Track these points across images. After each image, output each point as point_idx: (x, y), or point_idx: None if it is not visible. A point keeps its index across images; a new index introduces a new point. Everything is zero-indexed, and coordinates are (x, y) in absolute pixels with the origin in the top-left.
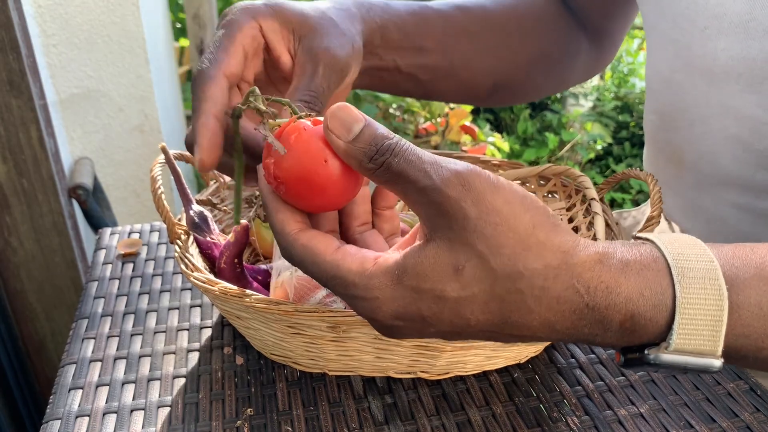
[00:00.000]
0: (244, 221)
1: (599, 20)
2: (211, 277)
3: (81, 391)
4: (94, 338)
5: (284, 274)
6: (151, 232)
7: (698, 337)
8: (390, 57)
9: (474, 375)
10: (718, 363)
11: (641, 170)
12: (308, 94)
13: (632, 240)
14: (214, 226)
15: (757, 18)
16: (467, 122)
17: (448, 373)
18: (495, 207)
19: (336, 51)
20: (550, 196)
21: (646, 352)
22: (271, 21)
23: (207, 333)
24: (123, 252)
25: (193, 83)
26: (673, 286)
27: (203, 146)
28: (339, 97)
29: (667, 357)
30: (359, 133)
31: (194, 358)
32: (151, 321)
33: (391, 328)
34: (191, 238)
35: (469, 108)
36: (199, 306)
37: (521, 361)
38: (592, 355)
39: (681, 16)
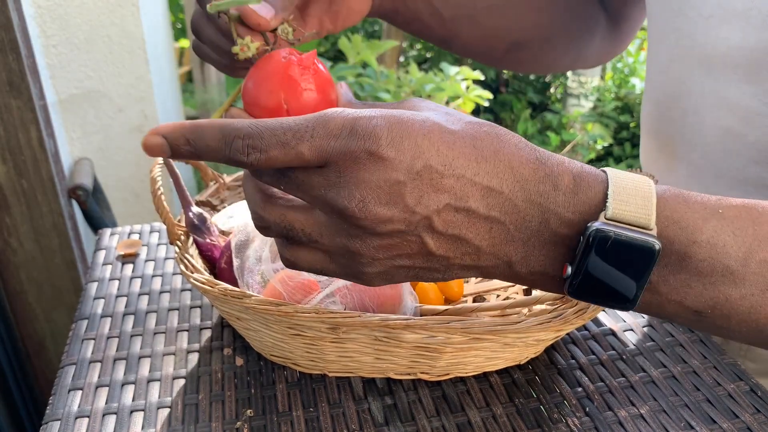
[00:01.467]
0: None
1: (619, 3)
2: (211, 278)
3: (81, 392)
4: (94, 339)
5: (269, 274)
6: (150, 232)
7: (632, 204)
8: None
9: (474, 376)
10: (656, 243)
11: (641, 170)
12: (285, 17)
13: None
14: (213, 227)
15: (757, 6)
16: None
17: (448, 374)
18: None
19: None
20: None
21: (588, 225)
22: None
23: (207, 334)
24: (123, 253)
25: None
26: (606, 174)
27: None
28: (348, 21)
29: (606, 227)
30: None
31: (194, 359)
32: (151, 322)
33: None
34: (191, 238)
35: (470, 108)
36: (199, 307)
37: (521, 362)
38: (593, 356)
39: (687, 4)
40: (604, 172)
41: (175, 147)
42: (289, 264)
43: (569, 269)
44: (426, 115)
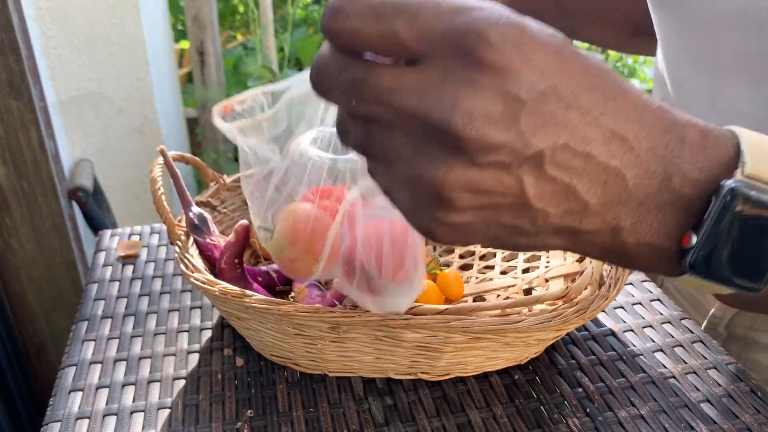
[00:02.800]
0: (244, 221)
1: None
2: (211, 277)
3: (81, 393)
4: (94, 340)
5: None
6: (151, 233)
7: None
8: None
9: (474, 376)
10: None
11: None
12: None
13: None
14: (213, 227)
15: (752, 15)
16: None
17: (448, 374)
18: None
19: None
20: None
21: (720, 184)
22: None
23: (207, 334)
24: (123, 254)
25: None
26: (732, 129)
27: None
28: None
29: (745, 186)
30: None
31: (194, 359)
32: (151, 323)
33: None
34: (191, 239)
35: None
36: (199, 307)
37: (521, 362)
38: (593, 357)
39: (688, 11)
40: (729, 129)
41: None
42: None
43: (693, 238)
44: (554, 30)
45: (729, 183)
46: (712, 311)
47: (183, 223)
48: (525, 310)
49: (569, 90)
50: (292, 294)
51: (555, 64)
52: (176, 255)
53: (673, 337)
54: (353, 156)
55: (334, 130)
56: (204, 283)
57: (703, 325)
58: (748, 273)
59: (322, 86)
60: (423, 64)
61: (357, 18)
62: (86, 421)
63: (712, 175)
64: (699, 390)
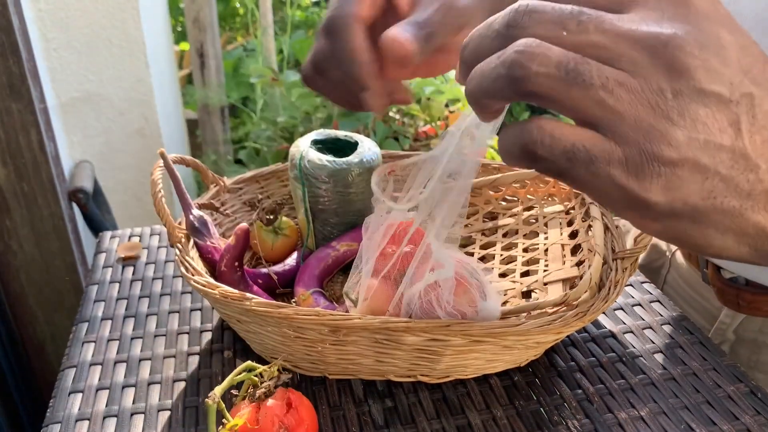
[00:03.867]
0: (244, 224)
1: None
2: (211, 280)
3: (81, 394)
4: (95, 342)
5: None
6: (151, 235)
7: None
8: None
9: (474, 378)
10: None
11: None
12: (416, 25)
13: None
14: (214, 230)
15: (765, 18)
16: None
17: (448, 376)
18: None
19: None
20: (549, 199)
21: None
22: None
23: (207, 336)
24: (123, 255)
25: (329, 27)
26: None
27: (377, 93)
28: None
29: None
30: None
31: (194, 361)
32: (152, 324)
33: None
34: (191, 241)
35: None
36: (200, 309)
37: (521, 365)
38: (593, 359)
39: None
40: None
41: None
42: (543, 128)
43: None
44: None
45: None
46: (720, 317)
47: (183, 226)
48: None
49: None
50: (295, 299)
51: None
52: (176, 257)
53: (672, 338)
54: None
55: (334, 132)
56: (204, 285)
57: (711, 330)
58: None
59: (527, 20)
60: (633, 11)
61: None
62: (86, 422)
63: None
64: (699, 391)
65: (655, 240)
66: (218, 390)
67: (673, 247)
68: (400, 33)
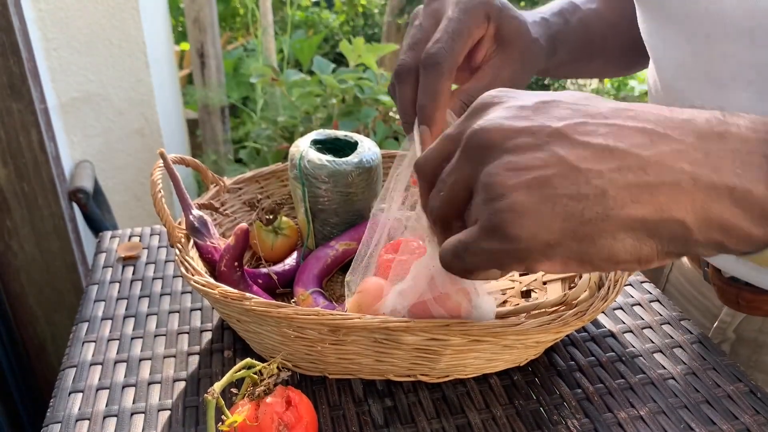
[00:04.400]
0: (243, 224)
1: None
2: (211, 280)
3: (81, 394)
4: (95, 341)
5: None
6: (151, 235)
7: None
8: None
9: (474, 378)
10: None
11: None
12: (470, 101)
13: None
14: (213, 230)
15: (761, 25)
16: None
17: (447, 376)
18: None
19: (517, 80)
20: None
21: None
22: (492, 26)
23: (207, 336)
24: (123, 255)
25: (428, 64)
26: None
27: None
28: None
29: None
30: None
31: (194, 361)
32: (152, 324)
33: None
34: (191, 241)
35: None
36: (200, 309)
37: (521, 364)
38: (592, 358)
39: (685, 22)
40: None
41: None
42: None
43: None
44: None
45: None
46: (720, 316)
47: (183, 226)
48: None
49: (574, 98)
50: (294, 298)
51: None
52: (176, 257)
53: (672, 338)
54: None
55: (334, 132)
56: (204, 285)
57: (712, 329)
58: None
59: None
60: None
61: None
62: (86, 422)
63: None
64: (698, 391)
65: None
66: (218, 386)
67: None
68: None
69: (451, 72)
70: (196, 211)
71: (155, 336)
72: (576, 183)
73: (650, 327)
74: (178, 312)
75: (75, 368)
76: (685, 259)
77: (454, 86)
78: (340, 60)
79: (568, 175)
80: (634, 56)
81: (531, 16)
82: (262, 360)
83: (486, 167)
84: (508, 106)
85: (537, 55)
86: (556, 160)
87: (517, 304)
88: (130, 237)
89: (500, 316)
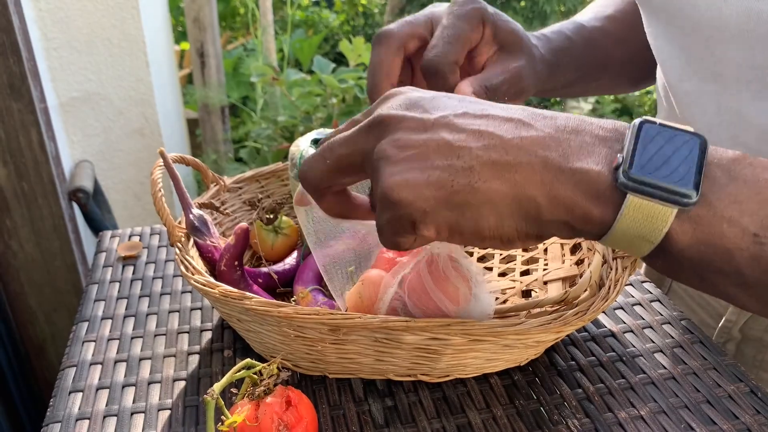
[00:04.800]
0: (243, 224)
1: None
2: (212, 279)
3: (81, 394)
4: (95, 341)
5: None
6: (151, 235)
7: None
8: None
9: (474, 377)
10: (701, 136)
11: None
12: (484, 84)
13: None
14: (213, 229)
15: (755, 29)
16: None
17: (448, 375)
18: None
19: (524, 74)
20: None
21: (632, 123)
22: (489, 29)
23: (207, 336)
24: (123, 255)
25: (428, 72)
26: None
27: None
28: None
29: (651, 119)
30: None
31: (194, 360)
32: (152, 324)
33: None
34: (191, 240)
35: None
36: (200, 309)
37: (521, 364)
38: (593, 358)
39: (688, 24)
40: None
41: None
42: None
43: (620, 157)
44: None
45: (637, 120)
46: (726, 315)
47: (183, 225)
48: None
49: (460, 97)
50: (294, 297)
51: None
52: (176, 257)
53: (672, 337)
54: None
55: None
56: (204, 285)
57: (717, 328)
58: (674, 182)
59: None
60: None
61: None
62: (86, 422)
63: (622, 125)
64: (699, 391)
65: None
66: (217, 386)
67: None
68: (466, 90)
69: (453, 76)
70: (196, 211)
71: (155, 335)
72: (448, 157)
73: (651, 327)
74: (178, 311)
75: (75, 368)
76: None
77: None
78: (340, 60)
79: (443, 151)
80: (642, 72)
81: (530, 34)
82: (262, 359)
83: (379, 143)
84: (408, 96)
85: (537, 58)
86: (437, 138)
87: (518, 304)
88: (130, 236)
89: (500, 314)
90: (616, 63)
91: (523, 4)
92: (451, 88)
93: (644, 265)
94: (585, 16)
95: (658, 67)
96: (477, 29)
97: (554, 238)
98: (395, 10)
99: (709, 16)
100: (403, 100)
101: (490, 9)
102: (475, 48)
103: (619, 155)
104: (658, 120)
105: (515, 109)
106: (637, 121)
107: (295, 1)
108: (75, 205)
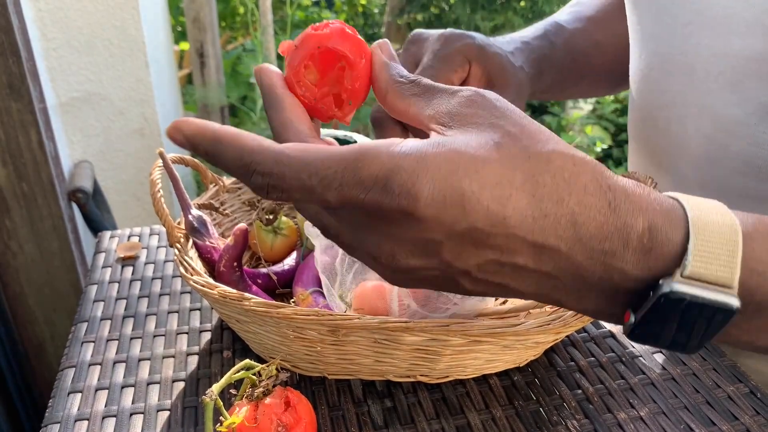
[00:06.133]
0: (243, 224)
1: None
2: (210, 280)
3: (80, 394)
4: (94, 341)
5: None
6: (150, 235)
7: (714, 261)
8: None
9: (473, 378)
10: (735, 302)
11: (636, 174)
12: None
13: None
14: (213, 230)
15: (740, 13)
16: None
17: (447, 376)
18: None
19: (515, 104)
20: None
21: (660, 282)
22: (476, 67)
23: (206, 336)
24: (122, 255)
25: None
26: (683, 207)
27: None
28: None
29: (682, 287)
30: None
31: (193, 361)
32: (151, 324)
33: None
34: (190, 241)
35: None
36: (199, 309)
37: (521, 365)
38: (592, 359)
39: (664, 11)
40: (683, 208)
41: (195, 150)
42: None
43: (632, 318)
44: (483, 147)
45: (667, 285)
46: None
47: (182, 226)
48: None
49: (490, 223)
50: (294, 298)
51: (472, 204)
52: (176, 257)
53: None
54: None
55: (334, 131)
56: (203, 285)
57: None
58: (678, 346)
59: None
60: (354, 211)
61: (291, 192)
62: (85, 422)
63: (656, 271)
64: (698, 392)
65: None
66: (216, 387)
67: None
68: None
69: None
70: (195, 211)
71: (154, 336)
72: (458, 288)
73: None
74: (178, 312)
75: (74, 368)
76: None
77: None
78: None
79: (456, 286)
80: (621, 75)
81: (511, 42)
82: (262, 360)
83: (394, 229)
84: (416, 238)
85: (525, 82)
86: (453, 284)
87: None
88: (129, 237)
89: (500, 315)
90: (596, 66)
91: (523, 4)
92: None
93: None
94: (565, 15)
95: (631, 52)
96: (461, 70)
97: None
98: (395, 10)
99: (696, 2)
100: (406, 244)
101: (477, 42)
102: (462, 84)
103: (631, 317)
104: (688, 291)
105: (550, 251)
106: (665, 291)
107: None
108: (74, 206)
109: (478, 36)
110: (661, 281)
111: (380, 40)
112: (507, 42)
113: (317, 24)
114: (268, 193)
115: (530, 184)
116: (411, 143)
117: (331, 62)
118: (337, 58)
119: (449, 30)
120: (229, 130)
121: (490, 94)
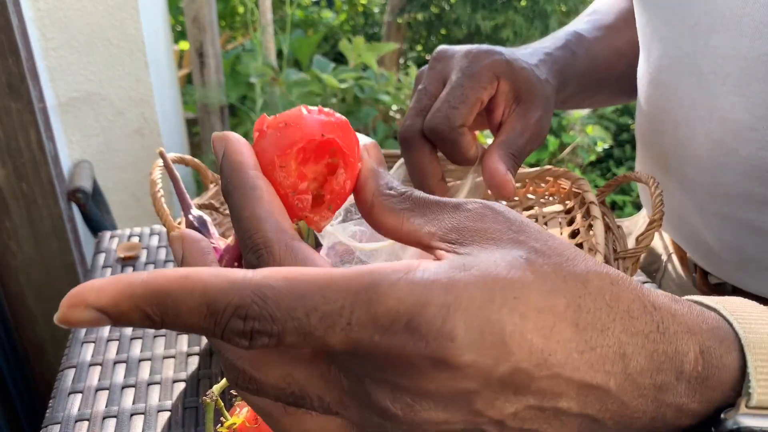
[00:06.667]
0: None
1: None
2: None
3: (80, 395)
4: (94, 342)
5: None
6: (150, 235)
7: None
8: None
9: None
10: None
11: (640, 173)
12: (511, 151)
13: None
14: (213, 230)
15: (750, 14)
16: None
17: None
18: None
19: (544, 124)
20: (548, 198)
21: (722, 416)
22: (504, 83)
23: None
24: (122, 255)
25: (433, 134)
26: (727, 320)
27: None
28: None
29: (750, 421)
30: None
31: (194, 362)
32: None
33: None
34: None
35: None
36: None
37: None
38: None
39: (672, 12)
40: (727, 321)
41: (131, 322)
42: None
43: None
44: (514, 267)
45: (732, 419)
46: None
47: (183, 226)
48: None
49: (534, 362)
50: None
51: (514, 341)
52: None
53: None
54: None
55: None
56: None
57: None
58: None
59: None
60: (362, 357)
61: (284, 337)
62: (85, 423)
63: (713, 404)
64: None
65: (652, 243)
66: (216, 388)
67: (670, 251)
68: (501, 170)
69: (462, 138)
70: (195, 211)
71: (154, 336)
72: None
73: None
74: None
75: (74, 369)
76: (677, 264)
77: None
78: (340, 59)
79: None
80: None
81: (534, 54)
82: None
83: (389, 423)
84: (446, 390)
85: (552, 96)
86: (476, 430)
87: None
88: (129, 237)
89: None
90: (617, 75)
91: (523, 3)
92: (462, 150)
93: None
94: (583, 24)
95: (641, 53)
96: (490, 87)
97: (556, 230)
98: (396, 9)
99: (704, 0)
100: (432, 396)
101: (506, 57)
102: (491, 101)
103: None
104: (758, 425)
105: (597, 390)
106: (730, 427)
107: (294, 1)
108: (74, 206)
109: (505, 51)
110: (723, 415)
111: (369, 142)
112: (530, 54)
113: (309, 107)
114: (252, 341)
115: (572, 311)
116: (432, 267)
117: (320, 155)
118: (330, 153)
119: (476, 46)
120: (174, 273)
121: (500, 206)
